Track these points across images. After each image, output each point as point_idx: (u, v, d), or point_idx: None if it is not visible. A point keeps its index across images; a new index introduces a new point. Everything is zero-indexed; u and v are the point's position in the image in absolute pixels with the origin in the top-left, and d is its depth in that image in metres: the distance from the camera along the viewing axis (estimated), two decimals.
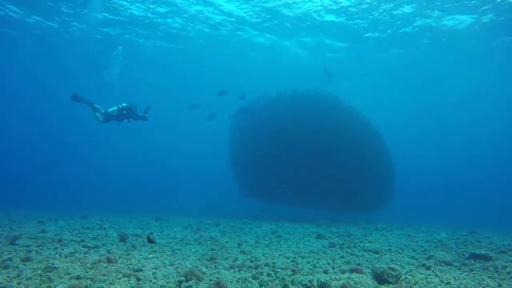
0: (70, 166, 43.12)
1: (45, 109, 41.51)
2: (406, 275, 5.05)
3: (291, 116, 14.66)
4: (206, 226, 11.10)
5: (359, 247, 7.58)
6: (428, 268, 5.60)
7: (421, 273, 5.24)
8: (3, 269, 4.89)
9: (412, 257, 6.59)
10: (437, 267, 5.66)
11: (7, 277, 4.53)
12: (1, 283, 4.29)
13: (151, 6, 19.66)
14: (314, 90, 15.18)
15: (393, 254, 6.95)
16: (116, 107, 10.14)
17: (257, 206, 17.57)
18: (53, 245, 6.77)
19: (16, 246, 6.56)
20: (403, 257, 6.65)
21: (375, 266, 4.98)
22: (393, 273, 4.77)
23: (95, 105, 9.86)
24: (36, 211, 15.55)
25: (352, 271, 4.98)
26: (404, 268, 5.58)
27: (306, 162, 14.67)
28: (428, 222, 16.21)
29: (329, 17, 19.90)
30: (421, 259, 6.34)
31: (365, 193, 14.83)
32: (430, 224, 14.72)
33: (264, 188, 16.11)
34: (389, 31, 21.07)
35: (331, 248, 7.44)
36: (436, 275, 5.14)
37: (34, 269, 4.89)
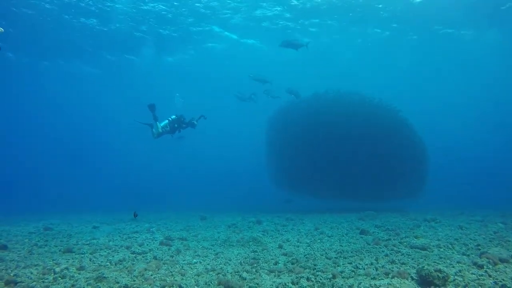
0: (119, 168, 45.86)
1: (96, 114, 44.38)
2: (455, 276, 4.74)
3: (327, 110, 15.34)
4: (250, 225, 11.23)
5: (405, 243, 7.26)
6: (481, 267, 5.18)
7: (472, 273, 4.88)
8: (61, 279, 5.30)
9: (463, 254, 6.16)
10: (491, 266, 5.23)
11: (64, 287, 4.92)
12: None
13: None
14: (344, 88, 16.05)
15: (442, 250, 6.56)
16: (167, 121, 10.54)
17: (295, 199, 17.62)
18: (105, 252, 7.25)
19: (73, 254, 7.11)
20: (453, 253, 6.25)
21: (419, 268, 4.71)
22: (440, 275, 4.48)
23: (157, 123, 10.34)
24: (91, 214, 16.78)
25: (394, 275, 4.77)
26: (453, 267, 5.23)
27: (345, 153, 14.83)
28: (483, 208, 15.11)
29: None
30: (473, 256, 5.90)
31: (405, 177, 15.12)
32: (485, 211, 13.72)
33: (304, 182, 16.12)
34: None
35: (375, 246, 7.19)
36: (490, 276, 4.76)
37: (87, 278, 5.27)
